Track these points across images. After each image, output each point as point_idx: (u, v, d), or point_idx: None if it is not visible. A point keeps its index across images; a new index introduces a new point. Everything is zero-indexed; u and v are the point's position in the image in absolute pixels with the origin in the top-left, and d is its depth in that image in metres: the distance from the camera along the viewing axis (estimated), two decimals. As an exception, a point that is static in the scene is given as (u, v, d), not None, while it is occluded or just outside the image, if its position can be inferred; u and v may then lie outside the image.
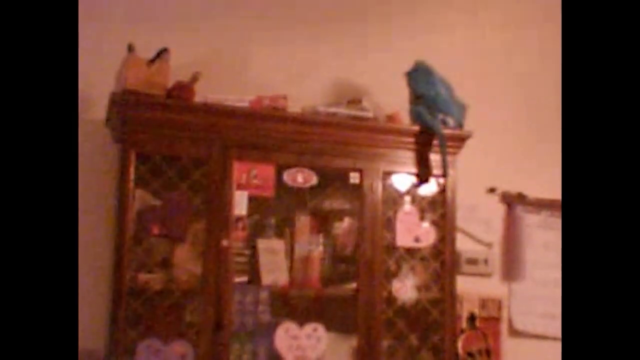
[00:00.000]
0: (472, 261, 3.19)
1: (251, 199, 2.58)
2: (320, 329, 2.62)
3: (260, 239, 2.68)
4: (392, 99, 2.91)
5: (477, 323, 3.16)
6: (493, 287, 3.24)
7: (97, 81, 2.66)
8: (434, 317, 2.77)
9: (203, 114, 2.55)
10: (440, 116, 2.82)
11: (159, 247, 2.53)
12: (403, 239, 2.77)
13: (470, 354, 3.11)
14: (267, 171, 2.61)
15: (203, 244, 2.50)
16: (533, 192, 3.31)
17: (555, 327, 3.18)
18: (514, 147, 3.36)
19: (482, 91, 3.25)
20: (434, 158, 2.79)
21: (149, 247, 2.50)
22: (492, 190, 3.30)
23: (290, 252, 2.72)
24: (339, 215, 2.85)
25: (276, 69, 3.03)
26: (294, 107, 2.72)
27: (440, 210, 2.81)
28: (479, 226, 3.25)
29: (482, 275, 3.22)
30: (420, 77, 2.89)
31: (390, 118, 2.88)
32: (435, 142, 2.77)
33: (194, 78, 2.57)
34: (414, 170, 2.78)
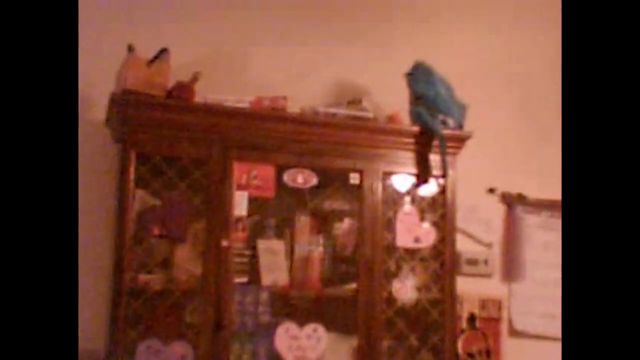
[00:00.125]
0: (472, 262, 3.19)
1: (251, 200, 2.58)
2: (320, 330, 2.62)
3: (260, 240, 2.68)
4: (392, 100, 2.91)
5: (477, 323, 3.15)
6: (493, 287, 3.24)
7: (97, 81, 2.66)
8: (434, 318, 2.77)
9: (203, 114, 2.55)
10: (440, 117, 2.82)
11: (159, 247, 2.53)
12: (403, 240, 2.77)
13: (470, 355, 3.11)
14: (267, 171, 2.61)
15: (203, 244, 2.50)
16: (533, 192, 3.31)
17: (555, 327, 3.18)
18: (514, 148, 3.36)
19: (482, 91, 3.24)
20: (434, 158, 2.79)
21: (149, 247, 2.50)
22: (492, 190, 3.30)
23: (291, 252, 2.72)
24: (339, 215, 2.85)
25: (276, 69, 3.03)
26: (294, 107, 2.72)
27: (440, 210, 2.81)
28: (479, 226, 3.25)
29: (482, 275, 3.22)
30: (420, 78, 2.89)
31: (390, 118, 2.88)
32: (435, 142, 2.77)
33: (194, 78, 2.57)
34: (414, 170, 2.78)
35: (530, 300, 3.28)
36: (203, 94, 2.59)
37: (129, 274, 2.41)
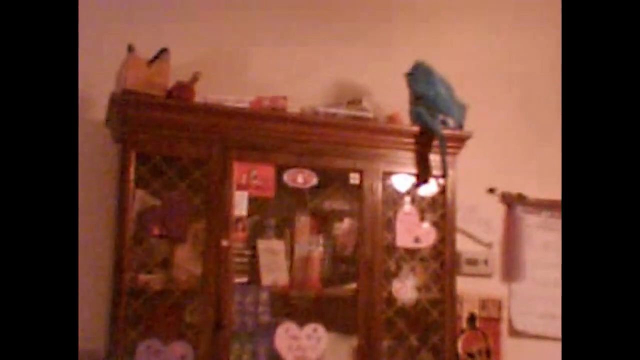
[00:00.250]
0: (472, 262, 3.19)
1: (251, 200, 2.58)
2: (320, 330, 2.62)
3: (260, 240, 2.68)
4: (392, 100, 2.91)
5: (477, 323, 3.15)
6: (493, 287, 3.24)
7: (97, 81, 2.66)
8: (434, 318, 2.77)
9: (203, 114, 2.55)
10: (440, 117, 2.82)
11: (159, 247, 2.53)
12: (403, 240, 2.77)
13: (470, 355, 3.11)
14: (267, 171, 2.61)
15: (203, 244, 2.50)
16: (533, 192, 3.31)
17: (555, 327, 3.18)
18: (514, 148, 3.36)
19: (482, 91, 3.25)
20: (434, 158, 2.79)
21: (149, 247, 2.50)
22: (492, 190, 3.30)
23: (290, 252, 2.72)
24: (339, 215, 2.85)
25: (276, 69, 3.03)
26: (294, 107, 2.72)
27: (440, 210, 2.81)
28: (479, 227, 3.25)
29: (482, 275, 3.22)
30: (420, 78, 2.89)
31: (390, 119, 2.88)
32: (435, 142, 2.77)
33: (194, 78, 2.57)
34: (414, 170, 2.78)
35: (530, 300, 3.28)
36: (203, 94, 2.59)
37: (129, 274, 2.41)
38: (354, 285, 2.70)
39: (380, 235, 2.71)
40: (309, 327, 2.61)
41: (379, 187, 2.72)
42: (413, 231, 2.78)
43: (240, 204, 2.56)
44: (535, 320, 3.28)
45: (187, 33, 2.90)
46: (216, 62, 2.94)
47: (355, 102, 2.85)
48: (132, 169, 2.44)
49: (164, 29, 2.85)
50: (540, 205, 3.33)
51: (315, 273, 2.73)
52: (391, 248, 2.75)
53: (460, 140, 2.84)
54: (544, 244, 3.33)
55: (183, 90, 2.54)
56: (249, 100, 2.66)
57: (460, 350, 3.05)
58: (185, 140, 2.51)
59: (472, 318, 3.15)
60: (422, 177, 2.79)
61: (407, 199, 2.82)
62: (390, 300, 2.73)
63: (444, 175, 2.78)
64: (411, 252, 2.80)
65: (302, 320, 2.62)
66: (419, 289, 2.79)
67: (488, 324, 3.18)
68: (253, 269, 2.64)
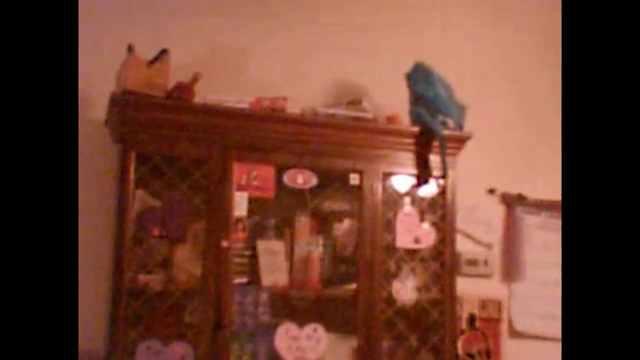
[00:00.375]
0: (472, 262, 3.19)
1: (251, 200, 2.58)
2: (320, 330, 2.62)
3: (260, 240, 2.68)
4: (392, 100, 2.90)
5: (477, 324, 3.15)
6: (493, 288, 3.24)
7: (97, 81, 2.66)
8: (434, 318, 2.77)
9: (203, 114, 2.55)
10: (440, 117, 2.82)
11: (159, 247, 2.52)
12: (403, 240, 2.77)
13: (470, 355, 3.11)
14: (267, 172, 2.61)
15: (203, 244, 2.50)
16: (533, 193, 3.31)
17: (555, 327, 3.18)
18: (513, 148, 3.36)
19: (482, 91, 3.25)
20: (434, 159, 2.79)
21: (149, 247, 2.50)
22: (492, 191, 3.30)
23: (290, 253, 2.72)
24: (339, 216, 2.85)
25: (276, 69, 3.03)
26: (294, 108, 2.72)
27: (440, 211, 2.81)
28: (478, 227, 3.25)
29: (482, 276, 3.21)
30: (419, 78, 2.89)
31: (390, 119, 2.88)
32: (435, 143, 2.77)
33: (194, 79, 2.57)
34: (414, 171, 2.78)
35: (530, 300, 3.28)
36: (203, 95, 2.59)
37: (129, 274, 2.41)
38: (354, 286, 2.70)
39: (380, 236, 2.70)
40: (309, 328, 2.61)
41: (379, 187, 2.72)
42: (413, 232, 2.78)
43: (240, 205, 2.56)
44: (535, 320, 3.28)
45: (187, 33, 2.90)
46: (216, 62, 2.94)
47: (355, 102, 2.85)
48: (132, 169, 2.44)
49: (164, 29, 2.85)
50: (540, 206, 3.33)
51: (315, 273, 2.73)
52: (391, 248, 2.75)
53: (460, 141, 2.84)
54: (544, 244, 3.32)
55: (183, 90, 2.54)
56: (248, 101, 2.66)
57: (460, 350, 3.05)
58: (185, 141, 2.51)
59: (472, 318, 3.15)
60: (422, 177, 2.79)
61: (407, 199, 2.82)
62: (390, 300, 2.73)
63: (444, 176, 2.78)
64: (411, 253, 2.80)
65: (302, 320, 2.62)
66: (419, 289, 2.79)
67: (488, 324, 3.18)
68: (253, 270, 2.64)
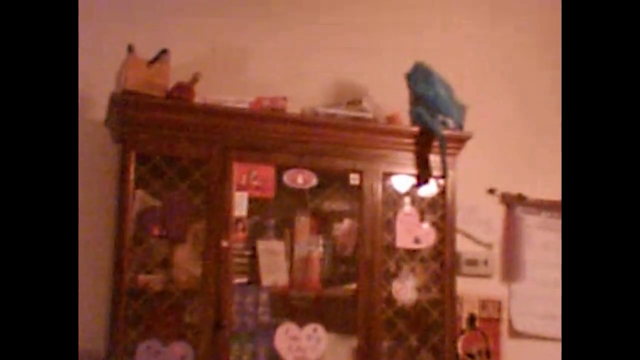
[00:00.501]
0: (472, 262, 3.19)
1: (251, 200, 2.58)
2: (320, 330, 2.62)
3: (260, 240, 2.68)
4: (392, 100, 2.90)
5: (477, 324, 3.15)
6: (493, 288, 3.24)
7: (97, 81, 2.66)
8: (434, 318, 2.77)
9: (203, 114, 2.55)
10: (440, 117, 2.82)
11: (159, 247, 2.52)
12: (403, 240, 2.77)
13: (470, 355, 3.11)
14: (267, 172, 2.61)
15: (203, 244, 2.50)
16: (533, 193, 3.31)
17: (555, 327, 3.18)
18: (513, 148, 3.36)
19: (482, 91, 3.25)
20: (434, 159, 2.79)
21: (149, 247, 2.50)
22: (492, 191, 3.30)
23: (290, 253, 2.72)
24: (339, 216, 2.85)
25: (276, 69, 3.03)
26: (294, 108, 2.72)
27: (440, 211, 2.81)
28: (478, 227, 3.25)
29: (482, 276, 3.21)
30: (419, 78, 2.89)
31: (390, 119, 2.88)
32: (435, 143, 2.77)
33: (194, 79, 2.57)
34: (414, 171, 2.78)
35: (530, 300, 3.28)
36: (203, 95, 2.59)
37: (129, 274, 2.41)
38: (354, 286, 2.70)
39: (380, 236, 2.70)
40: (309, 328, 2.61)
41: (379, 187, 2.72)
42: (413, 232, 2.78)
43: (240, 205, 2.56)
44: (535, 320, 3.28)
45: (187, 33, 2.90)
46: (216, 62, 2.94)
47: (355, 102, 2.85)
48: (132, 169, 2.44)
49: (164, 29, 2.85)
50: (540, 205, 3.33)
51: (315, 273, 2.73)
52: (391, 248, 2.75)
53: (460, 141, 2.84)
54: (544, 244, 3.32)
55: (183, 90, 2.54)
56: (248, 101, 2.66)
57: (460, 350, 3.05)
58: (185, 141, 2.51)
59: (472, 318, 3.15)
60: (422, 177, 2.79)
61: (407, 199, 2.82)
62: (390, 300, 2.73)
63: (444, 176, 2.78)
64: (411, 253, 2.80)
65: (302, 320, 2.62)
66: (419, 289, 2.79)
67: (488, 324, 3.18)
68: (253, 270, 2.64)
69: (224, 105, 2.60)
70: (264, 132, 2.61)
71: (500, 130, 3.32)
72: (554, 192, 3.05)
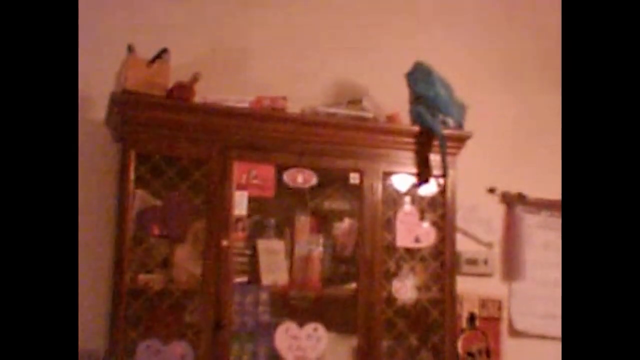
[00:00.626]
0: (472, 261, 3.19)
1: (251, 200, 2.58)
2: (321, 329, 2.62)
3: (260, 239, 2.68)
4: (392, 99, 2.91)
5: (477, 323, 3.15)
6: (493, 287, 3.24)
7: (97, 81, 2.66)
8: (434, 317, 2.77)
9: (203, 114, 2.55)
10: (440, 116, 2.82)
11: (159, 247, 2.53)
12: (403, 240, 2.77)
13: (470, 354, 3.11)
14: (267, 171, 2.61)
15: (203, 244, 2.50)
16: (533, 192, 3.31)
17: (555, 327, 3.17)
18: (514, 148, 3.36)
19: (482, 91, 3.25)
20: (434, 158, 2.79)
21: (149, 247, 2.51)
22: (492, 190, 3.30)
23: (290, 252, 2.72)
24: (339, 215, 2.85)
25: (276, 69, 3.03)
26: (294, 107, 2.72)
27: (440, 210, 2.81)
28: (479, 226, 3.25)
29: (482, 275, 3.22)
30: (419, 78, 2.89)
31: (391, 118, 2.88)
32: (435, 142, 2.77)
33: (194, 78, 2.57)
34: (414, 170, 2.78)
35: (531, 300, 3.28)
36: (203, 94, 2.59)
37: (129, 274, 2.41)
38: (354, 285, 2.70)
39: (380, 235, 2.70)
40: (309, 327, 2.61)
41: (379, 187, 2.72)
42: (413, 231, 2.78)
43: (240, 204, 2.56)
44: (535, 320, 3.28)
45: (187, 33, 2.90)
46: (216, 62, 2.94)
47: (355, 102, 2.86)
48: (132, 169, 2.44)
49: (164, 29, 2.85)
50: (540, 205, 3.33)
51: (315, 273, 2.73)
52: (391, 248, 2.75)
53: (460, 140, 2.84)
54: (544, 243, 3.33)
55: (183, 90, 2.53)
56: (249, 100, 2.66)
57: (460, 350, 3.05)
58: (185, 140, 2.51)
59: (472, 318, 3.15)
60: (422, 177, 2.79)
61: (407, 198, 2.82)
62: (390, 300, 2.73)
63: (444, 175, 2.78)
64: (411, 252, 2.80)
65: (302, 320, 2.62)
66: (419, 288, 2.79)
67: (488, 323, 3.18)
68: (253, 269, 2.64)
69: (224, 105, 2.60)
70: (264, 131, 2.61)
71: (500, 130, 3.32)
72: (554, 191, 3.04)
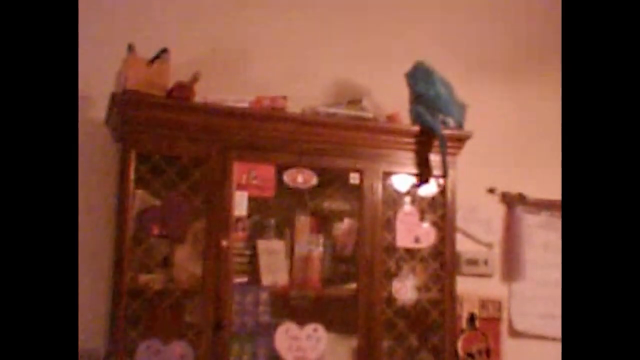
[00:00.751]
0: (472, 262, 3.19)
1: (251, 200, 2.58)
2: (321, 330, 2.62)
3: (260, 240, 2.68)
4: (392, 99, 2.91)
5: (477, 323, 3.15)
6: (493, 287, 3.24)
7: (97, 81, 2.66)
8: (434, 318, 2.77)
9: (203, 114, 2.55)
10: (441, 116, 2.82)
11: (159, 247, 2.52)
12: (403, 240, 2.77)
13: (470, 355, 3.11)
14: (267, 171, 2.61)
15: (203, 244, 2.49)
16: (533, 192, 3.31)
17: (555, 327, 3.18)
18: (514, 148, 3.36)
19: (482, 92, 3.25)
20: (434, 158, 2.79)
21: (149, 247, 2.50)
22: (492, 190, 3.30)
23: (290, 252, 2.72)
24: (339, 215, 2.85)
25: (276, 69, 3.03)
26: (294, 107, 2.72)
27: (440, 210, 2.81)
28: (479, 227, 3.25)
29: (482, 275, 3.22)
30: (420, 77, 2.89)
31: (391, 118, 2.88)
32: (435, 142, 2.77)
33: (194, 78, 2.56)
34: (414, 170, 2.78)
35: (530, 300, 3.28)
36: (203, 94, 2.58)
37: (129, 274, 2.40)
38: (354, 285, 2.70)
39: (380, 235, 2.70)
40: (309, 327, 2.61)
41: (379, 187, 2.72)
42: (413, 231, 2.78)
43: (240, 204, 2.56)
44: (535, 320, 3.28)
45: (187, 33, 2.90)
46: (216, 62, 2.94)
47: (355, 102, 2.86)
48: (132, 169, 2.43)
49: (164, 29, 2.85)
50: (540, 205, 3.33)
51: (315, 273, 2.73)
52: (391, 248, 2.75)
53: (460, 140, 2.84)
54: (544, 244, 3.33)
55: (183, 90, 2.53)
56: (249, 100, 2.66)
57: (460, 350, 3.05)
58: (185, 140, 2.51)
59: (472, 318, 3.15)
60: (422, 177, 2.79)
61: (407, 199, 2.82)
62: (390, 300, 2.73)
63: (444, 175, 2.78)
64: (411, 252, 2.80)
65: (302, 320, 2.62)
66: (419, 289, 2.79)
67: (488, 324, 3.18)
68: (253, 269, 2.64)
69: (224, 105, 2.60)
70: (264, 131, 2.60)
71: (500, 130, 3.32)
72: (554, 191, 3.05)
